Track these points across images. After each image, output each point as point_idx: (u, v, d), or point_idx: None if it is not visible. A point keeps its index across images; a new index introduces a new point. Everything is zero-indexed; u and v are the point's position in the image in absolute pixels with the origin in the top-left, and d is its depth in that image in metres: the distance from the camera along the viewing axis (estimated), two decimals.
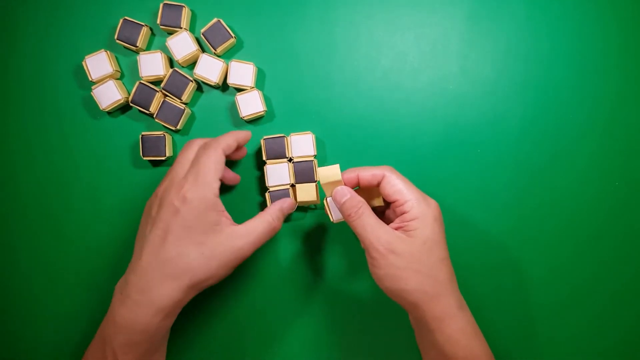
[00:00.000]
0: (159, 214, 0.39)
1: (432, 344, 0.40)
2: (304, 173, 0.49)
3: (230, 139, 0.43)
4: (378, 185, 0.42)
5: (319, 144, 0.51)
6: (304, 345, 0.50)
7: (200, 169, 0.40)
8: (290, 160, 0.49)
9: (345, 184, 0.43)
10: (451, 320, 0.39)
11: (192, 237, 0.39)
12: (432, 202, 0.41)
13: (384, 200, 0.45)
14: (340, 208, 0.43)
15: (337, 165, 0.42)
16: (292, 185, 0.49)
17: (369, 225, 0.40)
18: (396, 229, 0.40)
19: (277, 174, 0.49)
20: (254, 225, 0.41)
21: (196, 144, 0.43)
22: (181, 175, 0.41)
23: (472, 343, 0.40)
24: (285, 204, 0.46)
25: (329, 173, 0.42)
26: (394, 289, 0.40)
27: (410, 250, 0.39)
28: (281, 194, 0.48)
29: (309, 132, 0.49)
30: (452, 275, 0.41)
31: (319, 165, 0.50)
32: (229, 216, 0.42)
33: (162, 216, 0.39)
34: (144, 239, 0.40)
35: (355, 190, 0.43)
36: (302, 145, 0.49)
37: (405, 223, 0.40)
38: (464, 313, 0.41)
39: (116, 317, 0.39)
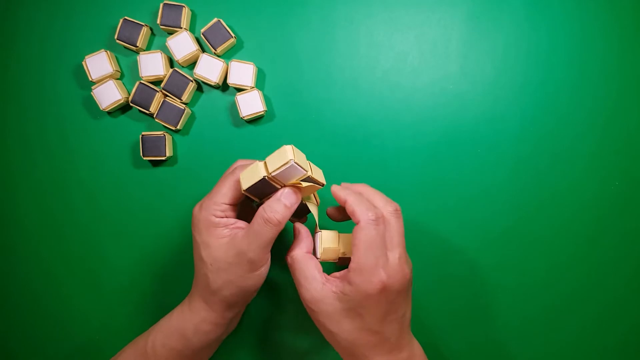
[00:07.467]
0: None
1: None
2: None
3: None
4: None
5: (319, 144, 0.51)
6: None
7: (213, 190, 0.40)
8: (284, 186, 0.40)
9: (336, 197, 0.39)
10: None
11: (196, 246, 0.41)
12: (377, 279, 0.36)
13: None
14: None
15: (288, 149, 0.36)
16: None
17: (300, 271, 0.39)
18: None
19: None
20: (247, 224, 0.40)
21: (239, 164, 0.42)
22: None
23: None
24: (284, 194, 0.39)
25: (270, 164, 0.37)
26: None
27: (330, 312, 0.38)
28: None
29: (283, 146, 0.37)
30: (379, 341, 0.37)
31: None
32: (241, 226, 0.40)
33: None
34: None
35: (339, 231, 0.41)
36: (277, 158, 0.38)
37: (344, 282, 0.37)
38: None
39: None
